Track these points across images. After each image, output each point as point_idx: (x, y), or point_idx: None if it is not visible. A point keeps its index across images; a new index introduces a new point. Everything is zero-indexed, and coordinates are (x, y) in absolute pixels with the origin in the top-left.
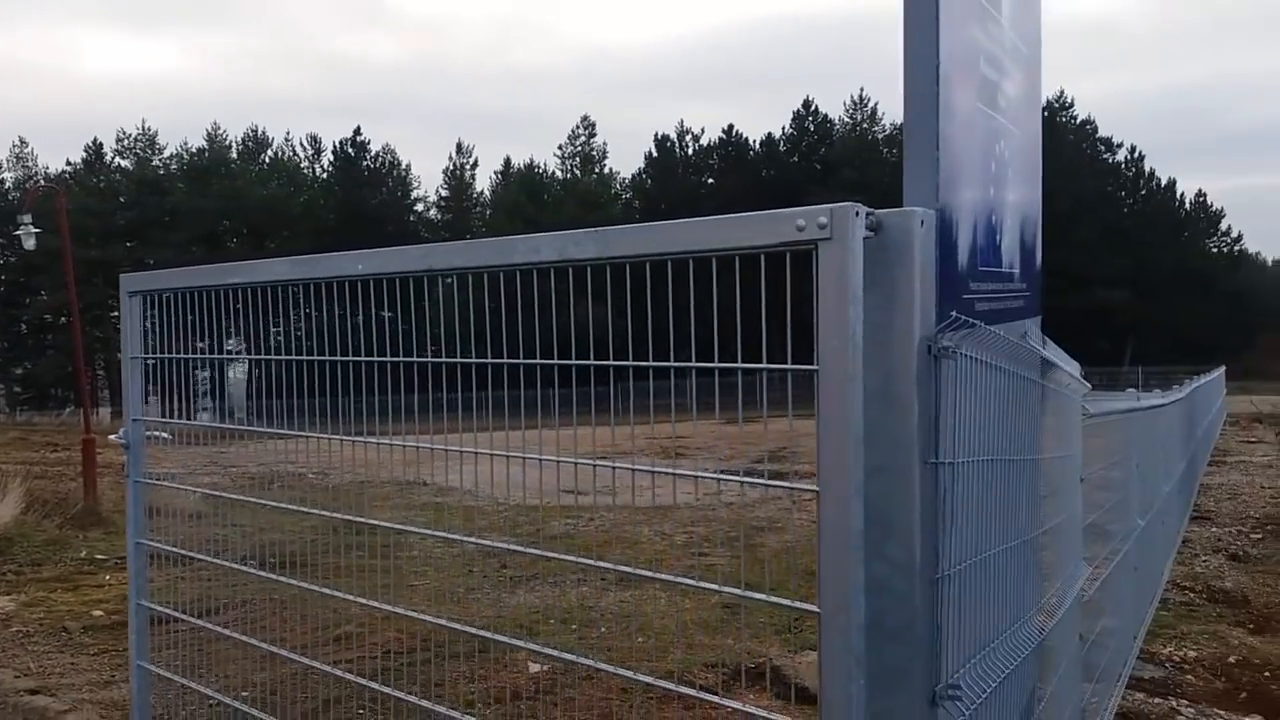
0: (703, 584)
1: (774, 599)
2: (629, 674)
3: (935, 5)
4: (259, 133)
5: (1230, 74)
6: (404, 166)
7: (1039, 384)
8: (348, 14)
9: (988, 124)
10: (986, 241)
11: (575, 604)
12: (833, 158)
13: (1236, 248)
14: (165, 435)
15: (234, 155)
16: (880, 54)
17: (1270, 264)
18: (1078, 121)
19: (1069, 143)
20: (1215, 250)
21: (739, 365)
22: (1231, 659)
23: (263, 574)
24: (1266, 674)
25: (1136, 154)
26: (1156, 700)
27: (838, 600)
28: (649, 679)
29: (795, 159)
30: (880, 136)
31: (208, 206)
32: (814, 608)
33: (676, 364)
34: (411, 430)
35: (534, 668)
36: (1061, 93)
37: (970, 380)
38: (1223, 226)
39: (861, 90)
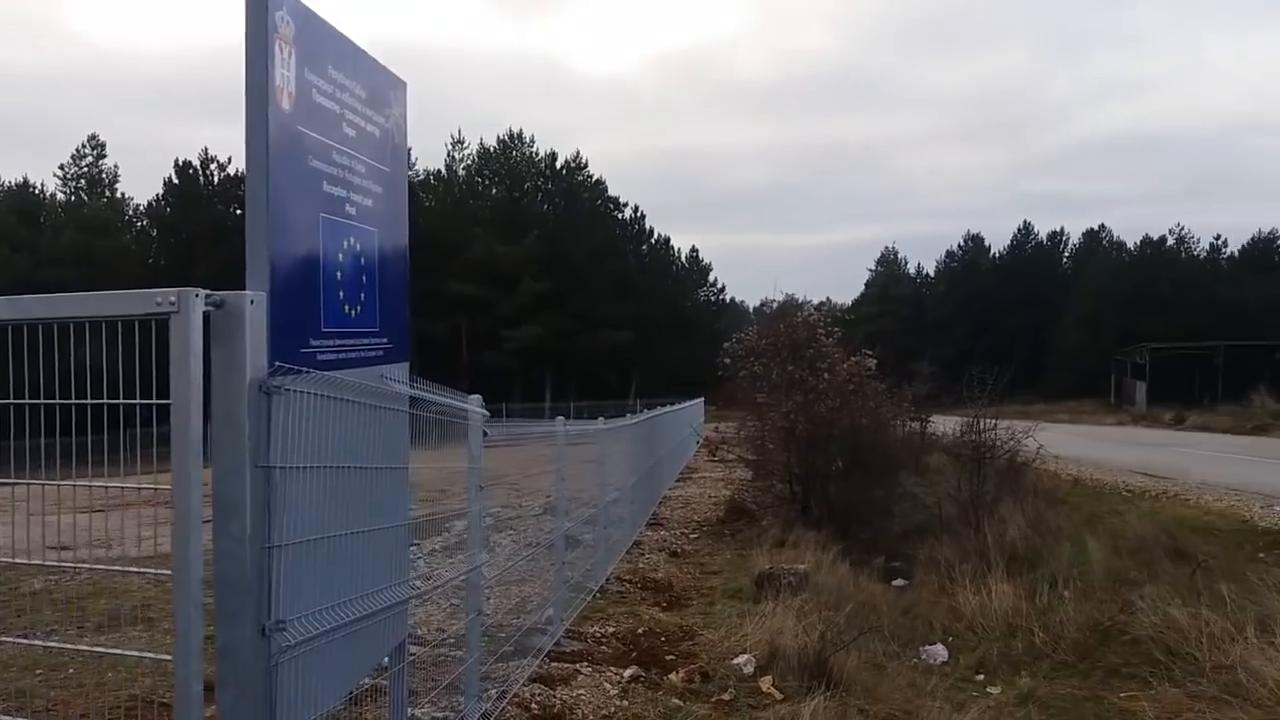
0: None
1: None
2: None
3: (265, 150)
4: None
5: (719, 144)
6: None
7: (395, 411)
8: None
9: (334, 227)
10: (331, 310)
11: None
12: None
13: (722, 296)
14: None
15: None
16: (414, 94)
17: (751, 310)
18: (592, 180)
19: (584, 200)
20: (705, 298)
21: (104, 402)
22: (640, 630)
23: None
24: (661, 639)
25: (639, 212)
26: (568, 665)
27: (182, 561)
28: None
29: None
30: (416, 181)
31: None
32: (167, 571)
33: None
34: None
35: None
36: (578, 154)
37: (301, 409)
38: (711, 278)
39: None
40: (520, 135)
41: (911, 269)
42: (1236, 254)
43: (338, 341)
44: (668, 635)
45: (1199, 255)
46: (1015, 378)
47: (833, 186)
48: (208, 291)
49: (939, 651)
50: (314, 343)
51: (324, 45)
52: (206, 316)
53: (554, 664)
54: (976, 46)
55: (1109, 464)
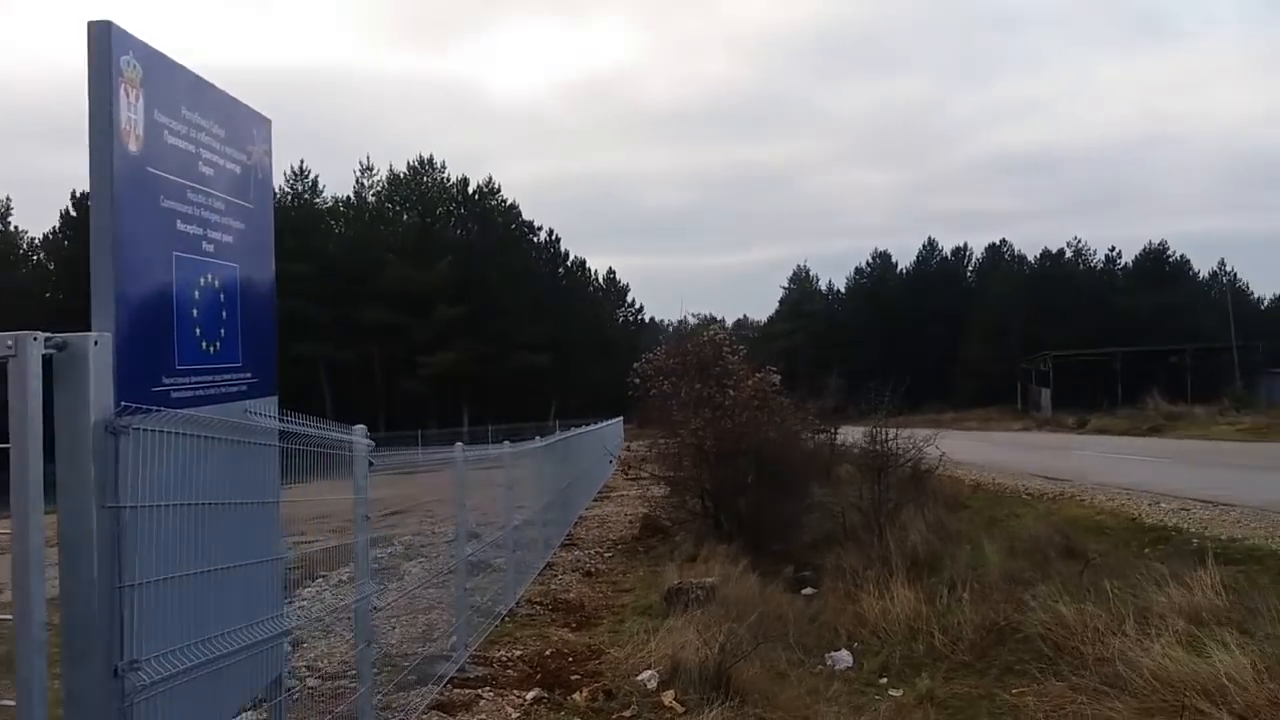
0: None
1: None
2: None
3: (110, 192)
4: None
5: (634, 168)
6: None
7: (261, 445)
8: None
9: (190, 265)
10: (186, 347)
11: None
12: (276, 225)
13: (641, 316)
14: None
15: None
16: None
17: (669, 327)
18: (505, 205)
19: (499, 224)
20: (624, 318)
21: None
22: (548, 652)
23: None
24: (569, 660)
25: (554, 236)
26: (470, 691)
27: (23, 606)
28: None
29: None
30: (324, 208)
31: None
32: (8, 616)
33: None
34: None
35: None
36: (490, 179)
37: (151, 447)
38: (629, 298)
39: (302, 161)
40: (431, 161)
41: (823, 286)
42: (1130, 264)
43: (195, 379)
44: (575, 655)
45: (1096, 267)
46: (927, 388)
47: (746, 208)
48: (48, 334)
49: (844, 657)
50: (167, 380)
51: (175, 86)
52: (49, 359)
53: (457, 690)
54: (880, 70)
55: (1011, 469)
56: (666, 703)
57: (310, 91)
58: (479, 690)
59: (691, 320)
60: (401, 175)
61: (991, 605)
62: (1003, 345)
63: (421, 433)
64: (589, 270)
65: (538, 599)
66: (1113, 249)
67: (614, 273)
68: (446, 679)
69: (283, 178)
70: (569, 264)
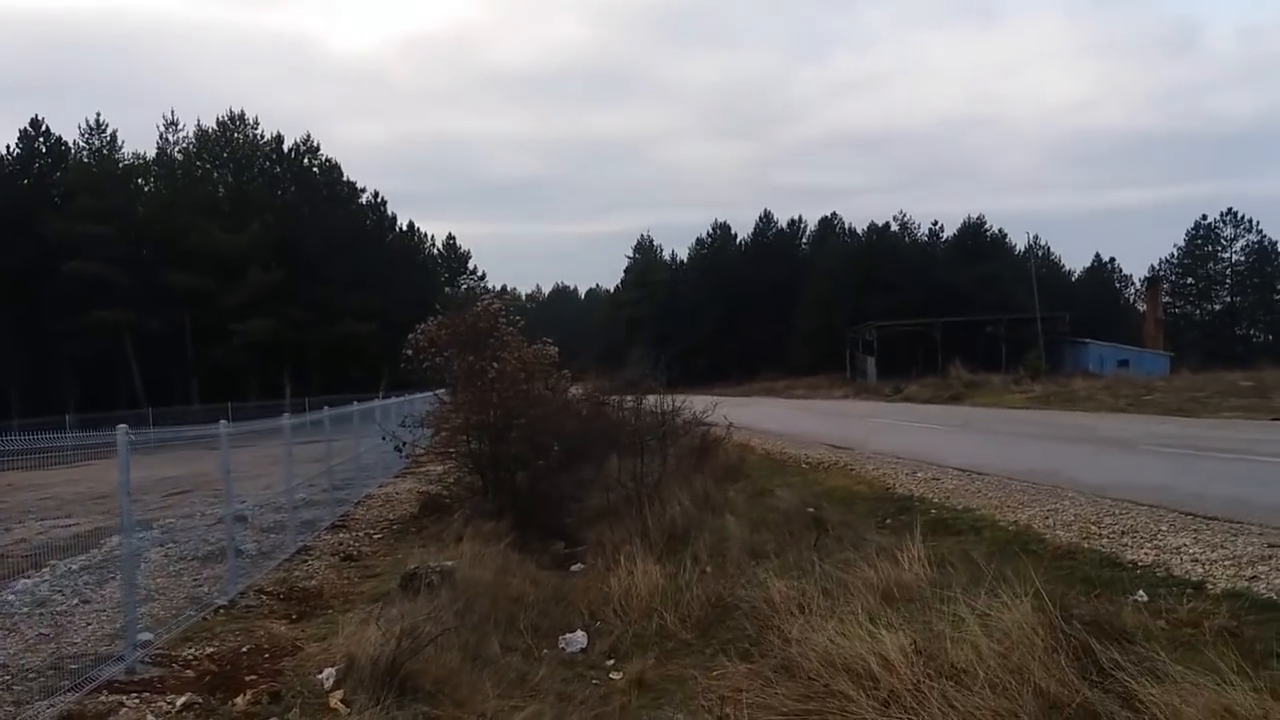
0: None
1: None
2: None
3: None
4: None
5: (482, 132)
6: None
7: None
8: None
9: None
10: None
11: None
12: (68, 182)
13: (484, 284)
14: None
15: None
16: (115, 75)
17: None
18: (328, 163)
19: (318, 184)
20: (465, 286)
21: None
22: (245, 648)
23: None
24: (265, 656)
25: (379, 198)
26: (116, 698)
27: None
28: None
29: (26, 181)
30: (122, 166)
31: None
32: None
33: None
34: None
35: None
36: (308, 136)
37: None
38: (471, 265)
39: (99, 115)
40: (242, 116)
41: (667, 255)
42: (952, 238)
43: None
44: (273, 652)
45: (920, 240)
46: (764, 357)
47: (599, 177)
48: None
49: (578, 639)
50: None
51: None
52: None
53: (104, 697)
54: (727, 43)
55: (807, 437)
56: (332, 704)
57: (117, 42)
58: (126, 697)
59: (485, 292)
60: (210, 131)
61: (726, 581)
62: (833, 315)
63: (231, 405)
64: (422, 235)
65: (272, 588)
66: (935, 223)
67: (454, 239)
68: (96, 683)
69: (77, 131)
70: (397, 229)
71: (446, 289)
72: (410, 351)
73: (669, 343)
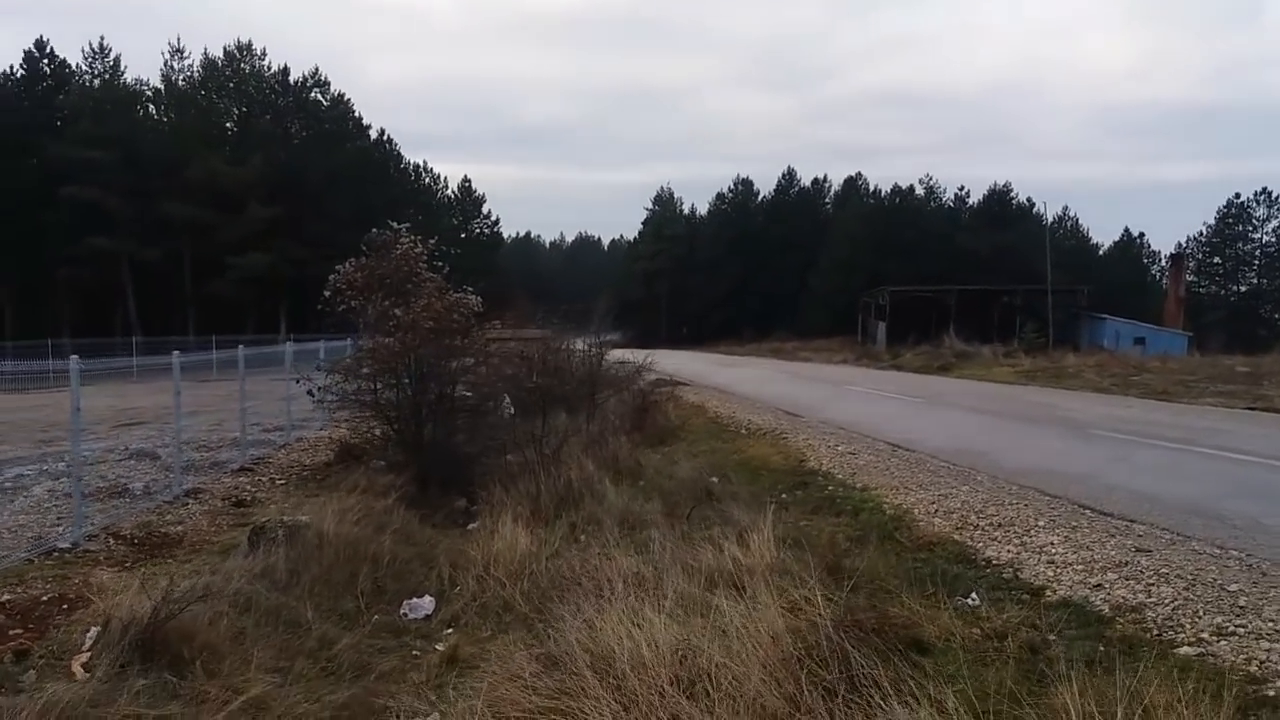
0: None
1: None
2: None
3: None
4: None
5: (515, 75)
6: None
7: None
8: None
9: None
10: None
11: None
12: (71, 106)
13: (497, 229)
14: None
15: None
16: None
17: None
18: (338, 98)
19: (323, 120)
20: (478, 230)
21: None
22: (45, 598)
23: None
24: (63, 607)
25: (386, 136)
26: None
27: None
28: None
29: (28, 104)
30: (128, 92)
31: None
32: None
33: None
34: None
35: None
36: (317, 70)
37: None
38: (485, 210)
39: (102, 39)
40: (249, 46)
41: (687, 209)
42: (977, 205)
43: None
44: (71, 603)
45: (946, 205)
46: (780, 316)
47: (629, 125)
48: None
49: (424, 605)
50: None
51: None
52: None
53: None
54: None
55: (767, 402)
56: (73, 668)
57: None
58: None
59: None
60: (217, 60)
61: (586, 553)
62: (850, 277)
63: (216, 338)
64: (435, 176)
65: (130, 532)
66: (962, 188)
67: (469, 181)
68: None
69: (81, 55)
70: (407, 168)
71: (462, 234)
72: (329, 293)
73: (685, 298)
